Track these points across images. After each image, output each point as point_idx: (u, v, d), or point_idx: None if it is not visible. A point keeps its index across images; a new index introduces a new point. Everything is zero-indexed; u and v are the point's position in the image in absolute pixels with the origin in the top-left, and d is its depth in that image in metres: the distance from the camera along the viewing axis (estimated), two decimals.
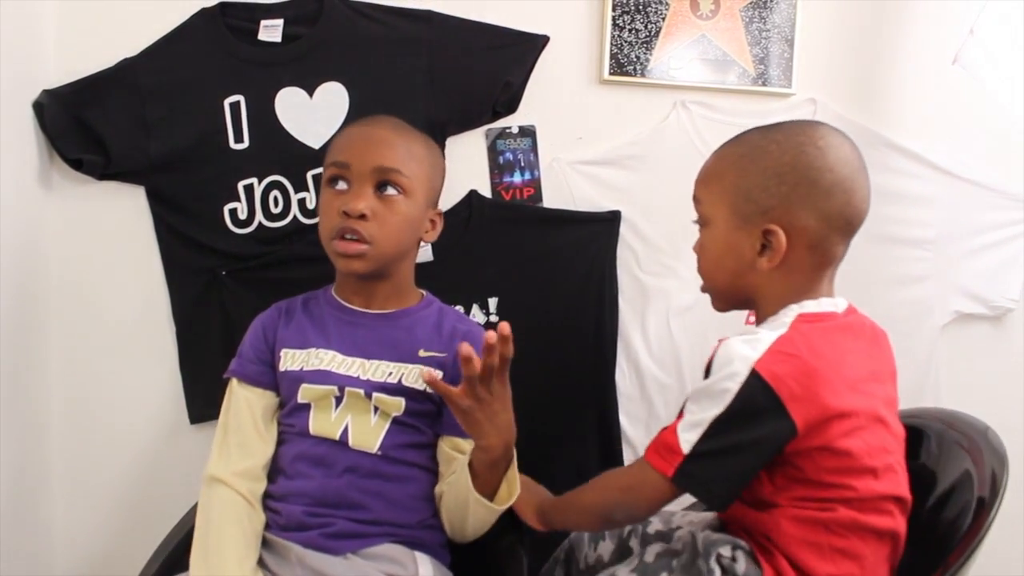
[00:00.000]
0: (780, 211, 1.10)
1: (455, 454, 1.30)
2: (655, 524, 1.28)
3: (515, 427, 1.20)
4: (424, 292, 1.43)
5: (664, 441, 1.07)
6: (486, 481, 1.22)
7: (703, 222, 1.19)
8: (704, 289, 1.23)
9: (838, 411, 1.03)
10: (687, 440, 1.05)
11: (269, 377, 1.36)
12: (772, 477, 1.07)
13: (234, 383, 1.36)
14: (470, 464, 1.22)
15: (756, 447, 1.03)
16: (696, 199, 1.20)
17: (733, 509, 1.11)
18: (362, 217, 1.28)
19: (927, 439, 1.28)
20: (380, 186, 1.31)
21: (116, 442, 1.67)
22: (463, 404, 1.13)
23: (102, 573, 1.66)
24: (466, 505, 1.23)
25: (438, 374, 1.21)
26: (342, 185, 1.32)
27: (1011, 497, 1.76)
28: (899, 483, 1.10)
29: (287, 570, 1.23)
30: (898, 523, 1.10)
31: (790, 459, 1.04)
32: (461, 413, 1.15)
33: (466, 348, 1.08)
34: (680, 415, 1.09)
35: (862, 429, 1.05)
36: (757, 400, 1.02)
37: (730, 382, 1.03)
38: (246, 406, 1.33)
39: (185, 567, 1.24)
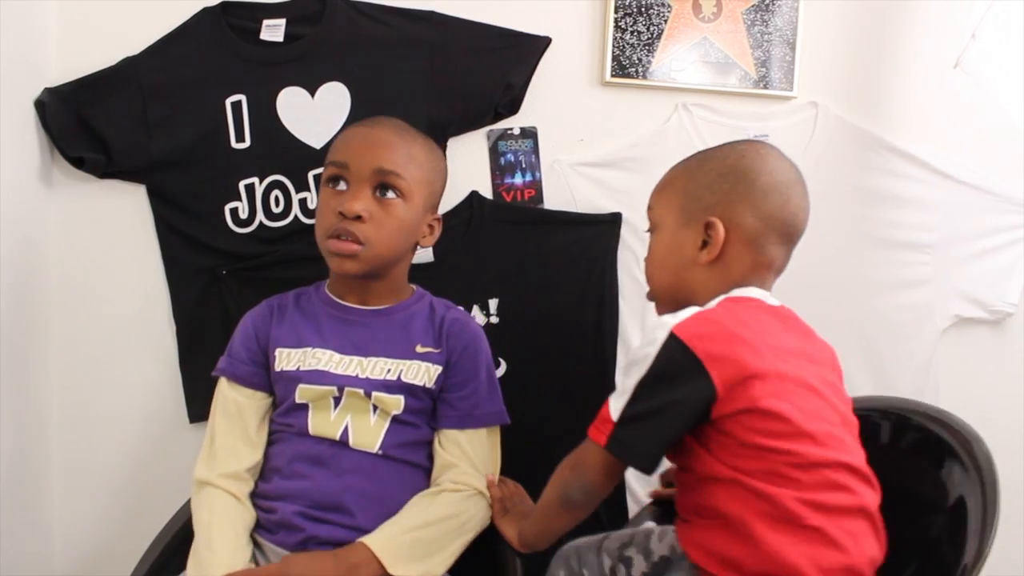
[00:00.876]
0: (721, 207, 1.15)
1: (445, 452, 1.31)
2: (639, 566, 1.26)
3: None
4: (415, 286, 1.43)
5: (600, 414, 1.10)
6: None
7: (653, 228, 1.24)
8: (649, 296, 1.25)
9: (758, 371, 1.03)
10: (616, 408, 1.07)
11: (261, 378, 1.35)
12: (708, 446, 1.06)
13: (223, 382, 1.35)
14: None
15: (678, 407, 1.04)
16: (649, 207, 1.25)
17: (693, 496, 1.10)
18: (358, 218, 1.28)
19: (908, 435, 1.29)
20: (379, 188, 1.31)
21: (115, 440, 1.67)
22: None
23: (101, 571, 1.67)
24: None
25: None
26: (341, 185, 1.31)
27: (1011, 499, 1.78)
28: (849, 452, 1.08)
29: None
30: (862, 498, 1.07)
31: (719, 425, 1.04)
32: None
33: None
34: None
35: (790, 393, 1.05)
36: (676, 360, 1.04)
37: (651, 347, 1.06)
38: (235, 409, 1.33)
39: (177, 566, 1.24)
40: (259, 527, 1.29)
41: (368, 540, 1.20)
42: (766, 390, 1.03)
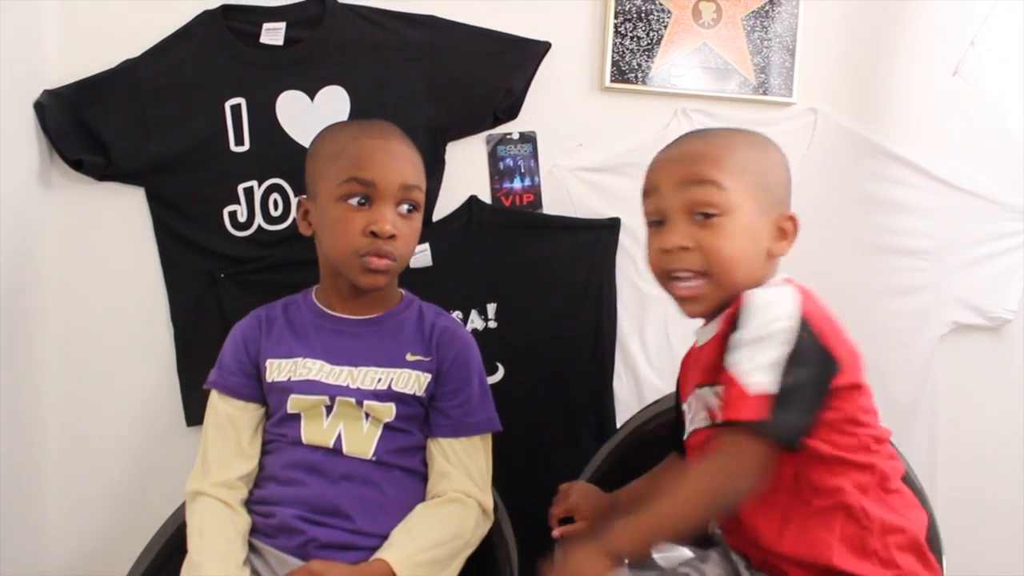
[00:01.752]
0: (788, 203, 1.19)
1: (441, 460, 1.31)
2: None
3: None
4: (403, 291, 1.42)
5: (738, 398, 1.01)
6: None
7: (723, 210, 1.12)
8: (697, 292, 1.15)
9: (855, 347, 1.10)
10: (765, 383, 1.00)
11: (252, 390, 1.34)
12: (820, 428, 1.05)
13: (215, 395, 1.35)
14: None
15: (819, 381, 1.04)
16: (717, 185, 1.13)
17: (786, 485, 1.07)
18: (391, 237, 1.28)
19: None
20: (402, 203, 1.31)
21: (112, 443, 1.66)
22: None
23: (96, 574, 1.66)
24: None
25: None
26: (363, 203, 1.29)
27: (1010, 499, 1.79)
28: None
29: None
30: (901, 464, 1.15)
31: (832, 402, 1.06)
32: None
33: None
34: (725, 381, 1.04)
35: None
36: (807, 341, 1.03)
37: (777, 323, 1.03)
38: (227, 421, 1.32)
39: (171, 570, 1.24)
40: (258, 532, 1.28)
41: (387, 557, 1.20)
42: (859, 366, 1.09)
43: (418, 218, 1.34)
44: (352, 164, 1.30)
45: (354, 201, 1.29)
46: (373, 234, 1.27)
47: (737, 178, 1.13)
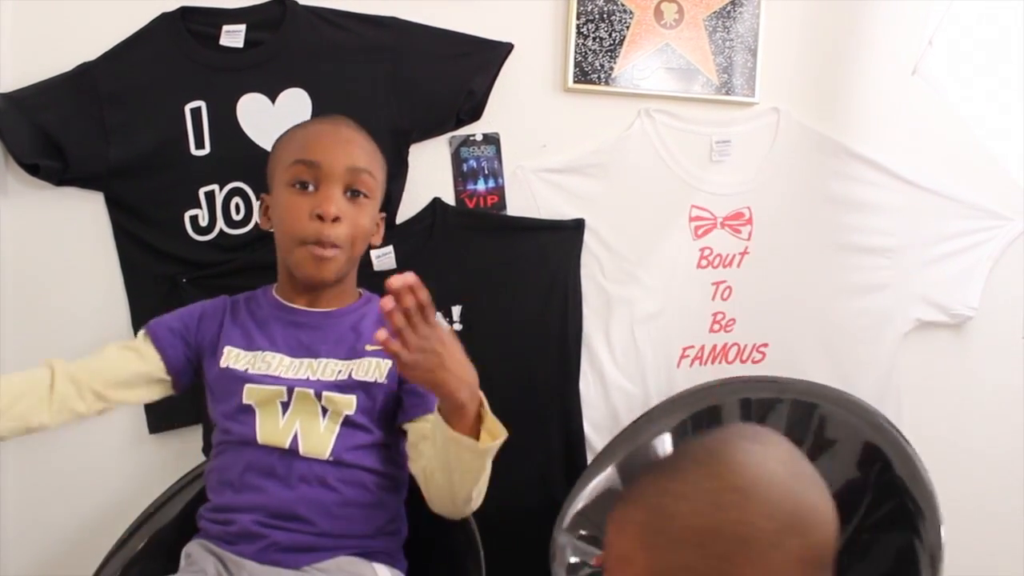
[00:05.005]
0: None
1: (425, 433, 1.27)
2: None
3: (472, 368, 1.16)
4: (361, 290, 1.42)
5: None
6: (461, 429, 1.16)
7: None
8: None
9: None
10: None
11: (174, 352, 1.33)
12: None
13: (141, 334, 1.35)
14: (440, 414, 1.17)
15: None
16: None
17: None
18: (335, 220, 1.27)
19: None
20: (349, 189, 1.30)
21: (73, 450, 1.64)
22: (409, 358, 1.08)
23: None
24: (447, 459, 1.18)
25: (381, 333, 1.09)
26: (309, 187, 1.29)
27: (973, 492, 1.80)
28: None
29: None
30: None
31: None
32: (412, 371, 1.10)
33: (386, 302, 1.04)
34: None
35: None
36: None
37: None
38: (135, 357, 1.32)
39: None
40: (218, 539, 1.26)
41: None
42: None
43: (369, 205, 1.32)
44: (299, 148, 1.32)
45: (300, 186, 1.29)
46: (319, 218, 1.27)
47: None
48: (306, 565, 1.23)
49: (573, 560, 1.51)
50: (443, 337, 1.12)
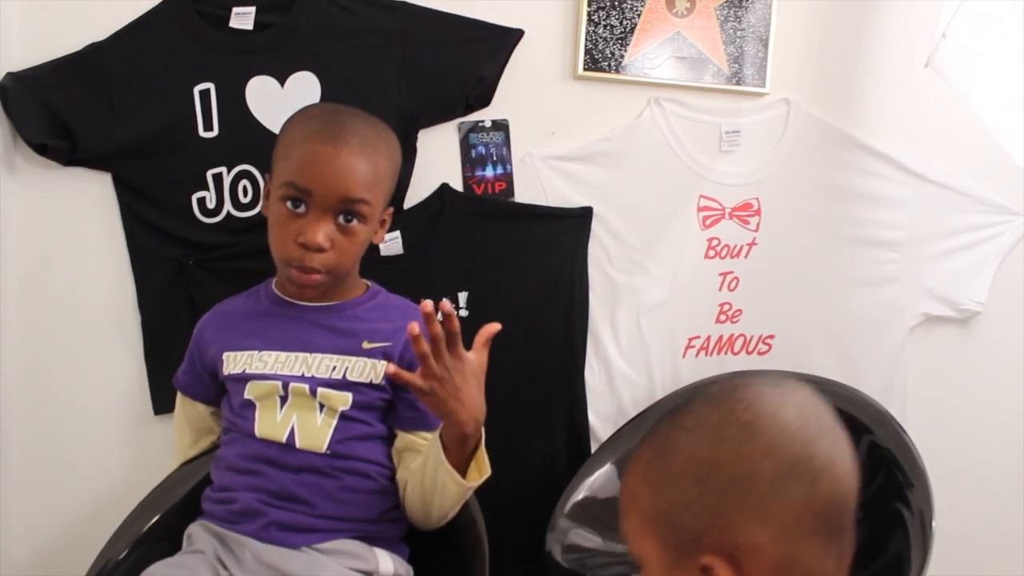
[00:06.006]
0: (715, 533, 0.76)
1: (413, 447, 1.30)
2: None
3: (484, 404, 1.17)
4: (369, 283, 1.41)
5: None
6: (455, 458, 1.19)
7: (639, 565, 0.84)
8: None
9: None
10: None
11: (200, 388, 1.40)
12: None
13: (178, 395, 1.44)
14: (440, 438, 1.19)
15: None
16: (624, 538, 0.86)
17: None
18: (320, 250, 1.25)
19: None
20: (341, 214, 1.27)
21: (79, 432, 1.64)
22: (424, 387, 1.10)
23: (61, 564, 1.64)
24: (434, 482, 1.21)
25: (391, 367, 1.13)
26: (300, 208, 1.26)
27: (978, 486, 1.81)
28: None
29: (244, 569, 1.21)
30: None
31: None
32: (425, 396, 1.12)
33: (413, 327, 1.05)
34: None
35: None
36: None
37: None
38: (190, 413, 1.44)
39: (137, 559, 1.24)
40: (220, 520, 1.27)
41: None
42: None
43: (362, 230, 1.29)
44: (294, 168, 1.27)
45: (293, 203, 1.26)
46: (303, 247, 1.25)
47: None
48: (305, 545, 1.23)
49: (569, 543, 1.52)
50: (465, 371, 1.13)
